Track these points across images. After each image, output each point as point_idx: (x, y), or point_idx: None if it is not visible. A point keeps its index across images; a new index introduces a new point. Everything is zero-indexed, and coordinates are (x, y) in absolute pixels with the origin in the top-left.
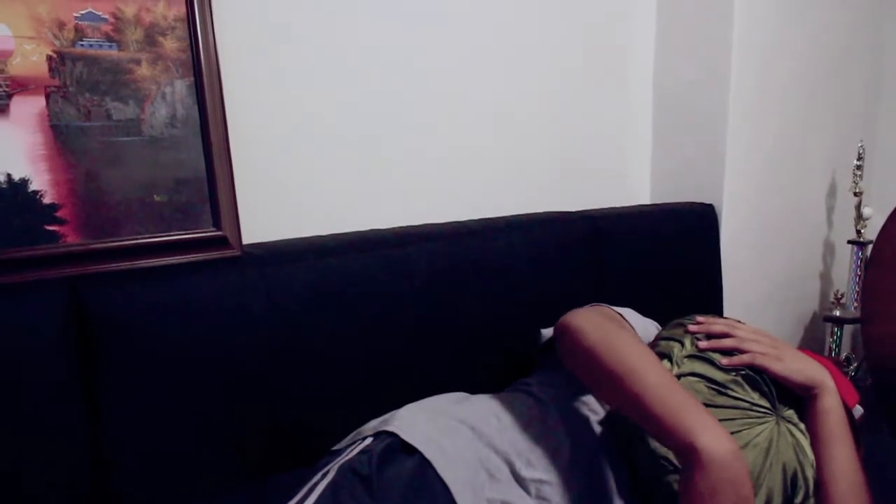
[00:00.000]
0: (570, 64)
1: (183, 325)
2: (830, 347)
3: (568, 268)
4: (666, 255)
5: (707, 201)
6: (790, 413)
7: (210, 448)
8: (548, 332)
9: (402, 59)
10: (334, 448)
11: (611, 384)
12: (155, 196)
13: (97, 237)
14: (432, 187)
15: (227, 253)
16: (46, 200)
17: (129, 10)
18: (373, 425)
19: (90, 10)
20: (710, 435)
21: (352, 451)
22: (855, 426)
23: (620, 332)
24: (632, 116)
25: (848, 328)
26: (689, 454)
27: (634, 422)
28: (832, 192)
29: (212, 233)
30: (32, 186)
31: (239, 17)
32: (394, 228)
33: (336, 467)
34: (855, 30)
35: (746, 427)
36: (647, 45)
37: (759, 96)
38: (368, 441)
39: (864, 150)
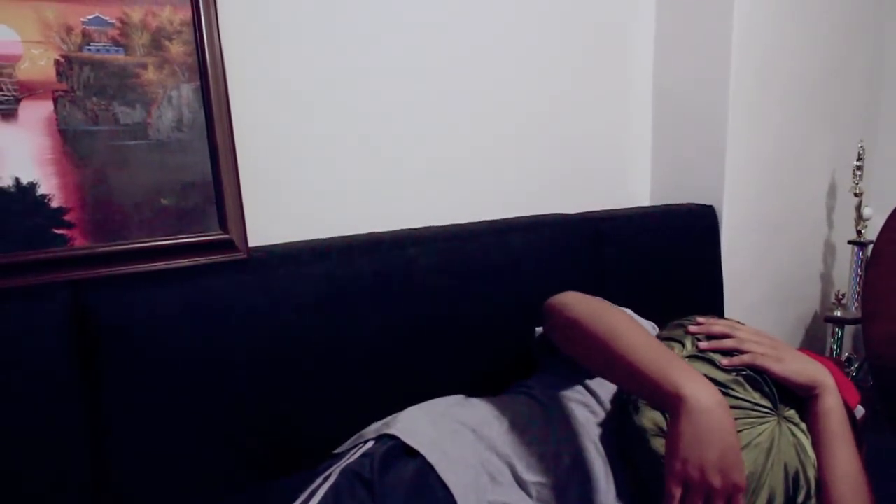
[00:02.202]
0: (570, 65)
1: (187, 328)
2: (832, 348)
3: (569, 269)
4: (666, 257)
5: (707, 202)
6: (791, 413)
7: (211, 450)
8: (542, 330)
9: (405, 62)
10: (336, 451)
11: (597, 348)
12: (162, 199)
13: (105, 240)
14: (434, 190)
15: (234, 256)
16: (54, 204)
17: (136, 15)
18: (374, 428)
19: (97, 14)
20: (697, 385)
21: (353, 454)
22: (856, 426)
23: (603, 303)
24: (632, 118)
25: (849, 329)
26: (676, 403)
27: (622, 384)
28: (832, 193)
29: (218, 236)
30: (41, 190)
31: (244, 22)
32: (395, 231)
33: (338, 471)
34: (855, 30)
35: (748, 427)
36: (647, 46)
37: (759, 97)
38: (370, 444)
39: (863, 150)
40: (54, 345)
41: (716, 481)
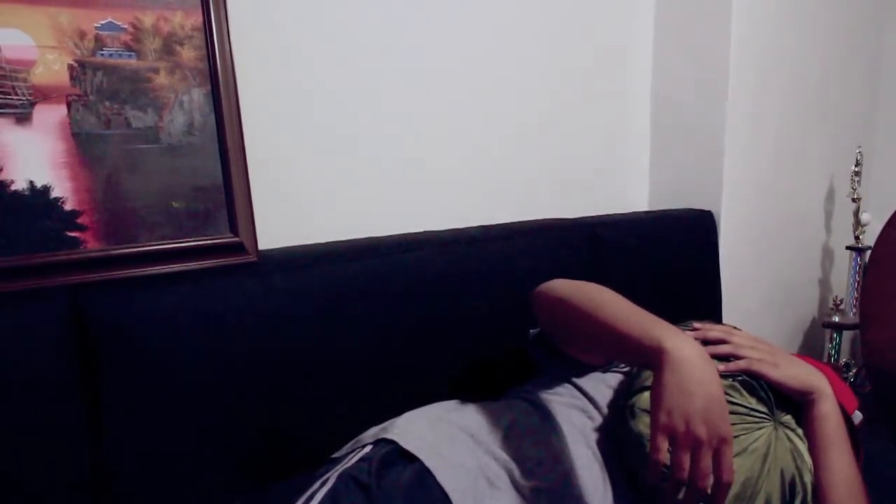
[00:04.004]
0: (568, 71)
1: (190, 329)
2: (829, 354)
3: (567, 274)
4: (664, 262)
5: (705, 208)
6: (788, 418)
7: (211, 451)
8: (536, 331)
9: (408, 63)
10: (334, 456)
11: (583, 321)
12: (173, 203)
13: (116, 243)
14: (434, 194)
15: (244, 259)
16: (67, 207)
17: (148, 20)
18: (372, 433)
19: (110, 20)
20: (679, 338)
21: (351, 458)
22: (854, 432)
23: (587, 283)
24: (630, 123)
25: (847, 334)
26: (659, 357)
27: (609, 352)
28: (830, 198)
29: (229, 239)
30: (54, 193)
31: (255, 27)
32: (396, 235)
33: (335, 475)
34: (854, 32)
35: (744, 432)
36: (646, 52)
37: (758, 102)
38: (368, 449)
39: (861, 155)
40: (55, 345)
41: (701, 432)
